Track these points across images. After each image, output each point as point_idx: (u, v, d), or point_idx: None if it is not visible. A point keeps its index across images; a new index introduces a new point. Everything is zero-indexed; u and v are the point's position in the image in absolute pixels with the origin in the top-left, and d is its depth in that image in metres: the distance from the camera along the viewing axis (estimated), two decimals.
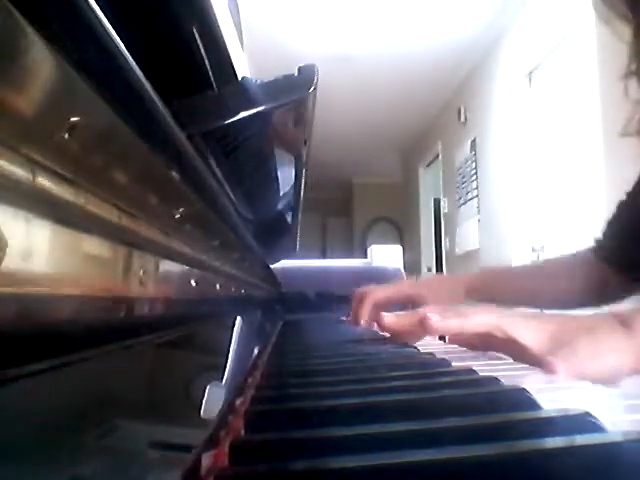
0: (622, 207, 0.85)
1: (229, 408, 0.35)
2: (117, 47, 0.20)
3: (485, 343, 0.53)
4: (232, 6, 0.50)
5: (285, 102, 0.43)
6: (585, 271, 0.88)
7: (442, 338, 0.67)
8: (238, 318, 0.65)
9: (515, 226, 3.64)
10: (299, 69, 0.44)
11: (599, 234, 0.89)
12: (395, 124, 5.87)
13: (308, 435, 0.25)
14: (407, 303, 0.88)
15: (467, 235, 4.59)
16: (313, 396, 0.33)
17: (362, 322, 0.69)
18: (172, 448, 0.26)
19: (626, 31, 0.72)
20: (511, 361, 0.51)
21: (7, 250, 0.14)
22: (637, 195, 0.81)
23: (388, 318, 0.60)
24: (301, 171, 0.68)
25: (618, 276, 0.83)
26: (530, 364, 0.47)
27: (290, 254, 1.22)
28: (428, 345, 0.64)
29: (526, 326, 0.49)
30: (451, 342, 0.62)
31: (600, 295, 0.86)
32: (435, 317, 0.52)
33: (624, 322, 0.47)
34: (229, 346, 0.54)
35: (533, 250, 3.49)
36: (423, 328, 0.53)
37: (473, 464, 0.20)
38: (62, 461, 0.17)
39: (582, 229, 2.64)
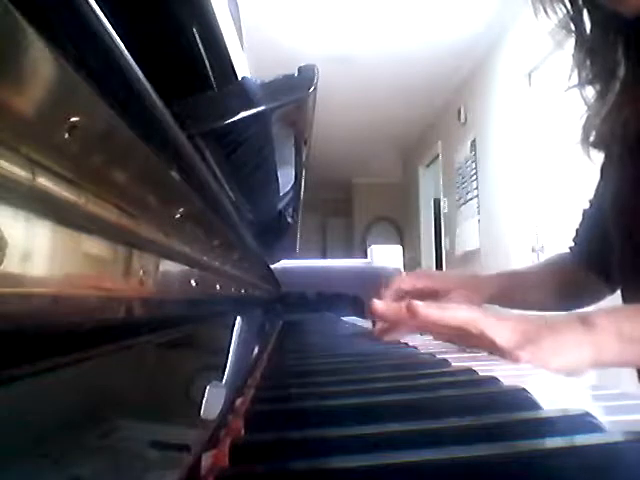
0: (586, 214, 0.89)
1: (229, 408, 0.35)
2: (117, 47, 0.20)
3: (461, 337, 0.57)
4: (232, 6, 0.50)
5: (285, 102, 0.43)
6: (565, 276, 0.91)
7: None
8: (238, 318, 0.65)
9: (515, 226, 3.64)
10: (299, 69, 0.44)
11: (572, 242, 0.93)
12: (395, 124, 5.87)
13: (308, 435, 0.25)
14: (431, 295, 0.87)
15: (467, 235, 4.59)
16: (313, 396, 0.33)
17: (381, 307, 0.65)
18: (172, 448, 0.26)
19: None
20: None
21: (7, 250, 0.14)
22: (601, 206, 0.83)
23: (379, 304, 0.64)
24: (301, 171, 0.68)
25: (594, 279, 0.86)
26: (502, 357, 0.52)
27: (290, 254, 1.22)
28: (428, 345, 0.64)
29: (498, 324, 0.54)
30: (433, 335, 0.68)
31: (580, 297, 0.89)
32: (420, 305, 0.57)
33: (585, 321, 0.53)
34: (229, 346, 0.54)
35: (533, 250, 3.49)
36: (409, 314, 0.58)
37: (473, 464, 0.20)
38: (62, 461, 0.17)
39: None
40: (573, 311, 0.56)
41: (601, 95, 0.74)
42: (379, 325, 0.75)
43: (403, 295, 0.84)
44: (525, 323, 0.55)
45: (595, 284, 0.86)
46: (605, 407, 0.33)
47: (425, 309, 0.57)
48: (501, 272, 0.99)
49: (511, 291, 0.91)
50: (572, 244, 0.93)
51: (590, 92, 0.76)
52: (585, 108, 0.76)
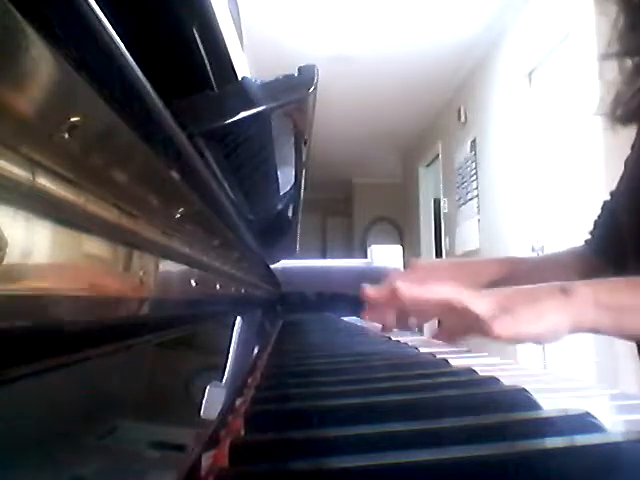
0: (606, 206, 0.88)
1: (229, 408, 0.35)
2: (117, 47, 0.20)
3: (444, 311, 0.61)
4: (232, 6, 0.50)
5: (285, 102, 0.43)
6: (582, 266, 0.90)
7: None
8: (238, 318, 0.65)
9: (515, 226, 3.64)
10: (299, 69, 0.44)
11: (588, 235, 0.91)
12: (395, 124, 5.87)
13: (308, 435, 0.25)
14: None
15: (467, 235, 4.59)
16: (313, 396, 0.33)
17: (371, 291, 0.69)
18: (172, 448, 0.26)
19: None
20: (511, 361, 0.52)
21: (7, 250, 0.14)
22: (619, 196, 0.82)
23: (368, 289, 0.69)
24: (301, 171, 0.68)
25: (609, 272, 0.85)
26: (481, 329, 0.54)
27: (290, 254, 1.22)
28: (428, 345, 0.64)
29: (478, 297, 0.56)
30: (417, 315, 0.70)
31: None
32: (405, 286, 0.61)
33: (563, 289, 0.56)
34: (229, 346, 0.54)
35: (533, 250, 3.49)
36: (396, 294, 0.61)
37: (473, 464, 0.20)
38: (62, 461, 0.17)
39: (582, 229, 2.63)
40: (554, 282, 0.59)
41: (637, 69, 0.73)
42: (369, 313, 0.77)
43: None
44: (504, 294, 0.58)
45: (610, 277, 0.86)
46: (605, 407, 0.33)
47: (410, 289, 0.61)
48: (505, 257, 0.98)
49: (516, 278, 0.90)
50: (588, 236, 0.92)
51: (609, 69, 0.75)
52: (616, 81, 0.75)
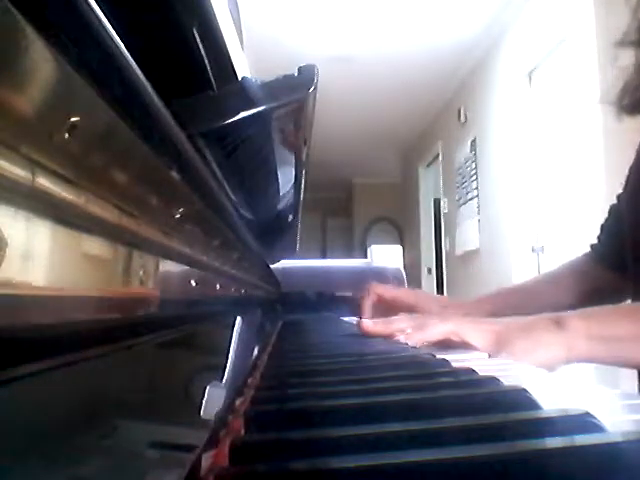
0: (613, 210, 0.87)
1: (229, 408, 0.35)
2: (117, 47, 0.20)
3: (445, 346, 0.62)
4: (232, 6, 0.50)
5: (285, 102, 0.43)
6: (584, 276, 0.89)
7: None
8: (238, 318, 0.65)
9: (515, 226, 3.64)
10: (299, 69, 0.44)
11: (595, 240, 0.91)
12: (395, 124, 5.87)
13: (308, 435, 0.25)
14: (409, 311, 0.90)
15: (467, 235, 4.59)
16: (313, 396, 0.33)
17: (370, 327, 0.70)
18: (172, 448, 0.26)
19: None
20: (511, 361, 0.52)
21: (7, 250, 0.14)
22: (627, 198, 0.82)
23: (366, 323, 0.70)
24: (301, 171, 0.68)
25: (615, 278, 0.84)
26: None
27: (290, 254, 1.22)
28: (428, 345, 0.64)
29: (476, 329, 0.59)
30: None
31: (600, 298, 0.87)
32: (405, 333, 0.63)
33: (557, 321, 0.57)
34: (229, 346, 0.54)
35: (533, 250, 3.49)
36: (394, 333, 0.64)
37: (473, 464, 0.20)
38: (62, 461, 0.17)
39: (582, 229, 2.64)
40: (545, 313, 0.61)
41: None
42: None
43: (384, 304, 0.86)
44: (500, 325, 0.59)
45: (616, 283, 0.84)
46: (605, 407, 0.33)
47: (411, 337, 0.63)
48: (497, 291, 0.98)
49: (512, 308, 0.90)
50: (595, 241, 0.91)
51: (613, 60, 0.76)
52: (624, 71, 0.75)
